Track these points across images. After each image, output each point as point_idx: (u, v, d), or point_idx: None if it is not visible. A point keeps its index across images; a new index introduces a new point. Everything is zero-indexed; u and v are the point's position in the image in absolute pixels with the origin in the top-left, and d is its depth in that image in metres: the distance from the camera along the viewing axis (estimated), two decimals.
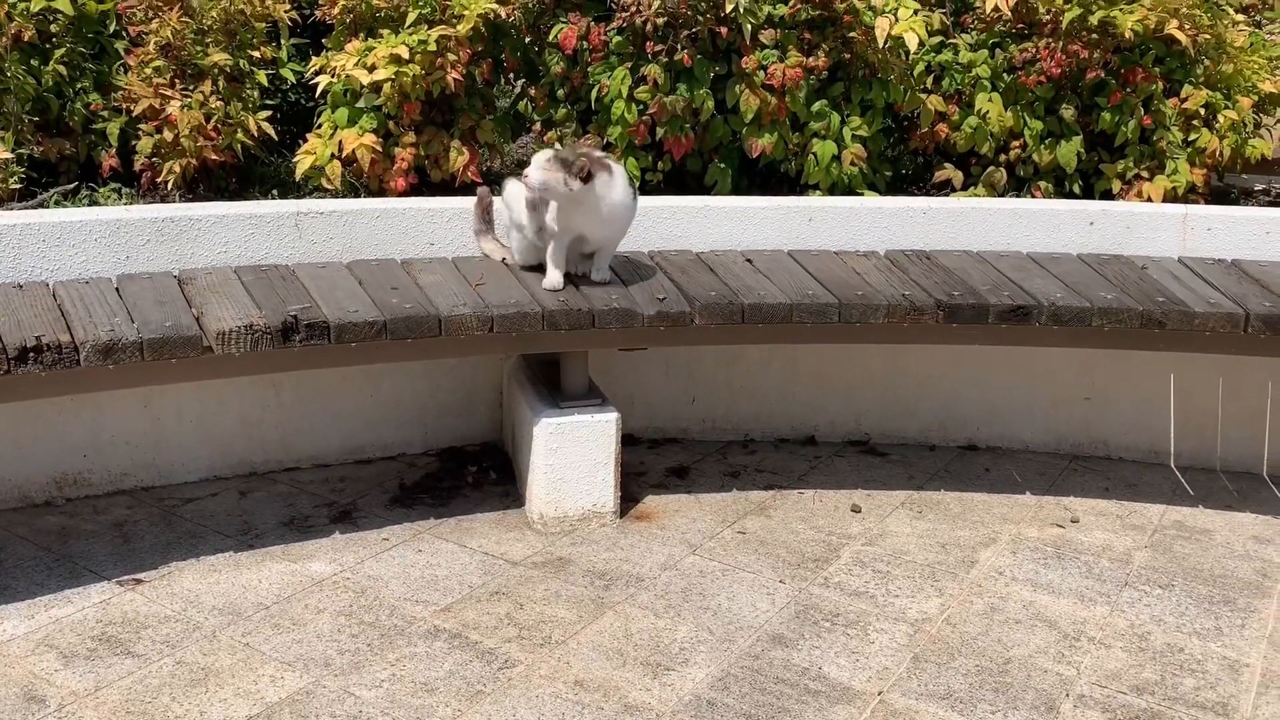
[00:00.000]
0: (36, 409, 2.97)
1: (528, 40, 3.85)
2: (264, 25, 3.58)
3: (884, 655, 2.57)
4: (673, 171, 3.82)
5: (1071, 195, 3.95)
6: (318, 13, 3.62)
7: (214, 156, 3.41)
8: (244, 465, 3.28)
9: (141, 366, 2.54)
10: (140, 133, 3.38)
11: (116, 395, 3.02)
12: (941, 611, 2.77)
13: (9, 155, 3.26)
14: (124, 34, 3.61)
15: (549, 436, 3.04)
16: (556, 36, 3.66)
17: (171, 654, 2.44)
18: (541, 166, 2.88)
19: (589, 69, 3.68)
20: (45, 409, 2.99)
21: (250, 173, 3.72)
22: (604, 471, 3.09)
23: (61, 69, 3.44)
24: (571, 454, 3.06)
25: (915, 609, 2.77)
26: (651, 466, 3.50)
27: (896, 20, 3.64)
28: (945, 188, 4.02)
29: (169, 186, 3.39)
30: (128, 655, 2.43)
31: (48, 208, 3.21)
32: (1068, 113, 3.90)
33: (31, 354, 2.42)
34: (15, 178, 3.26)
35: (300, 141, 3.79)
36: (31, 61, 3.42)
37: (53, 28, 3.47)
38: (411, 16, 3.42)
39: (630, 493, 3.25)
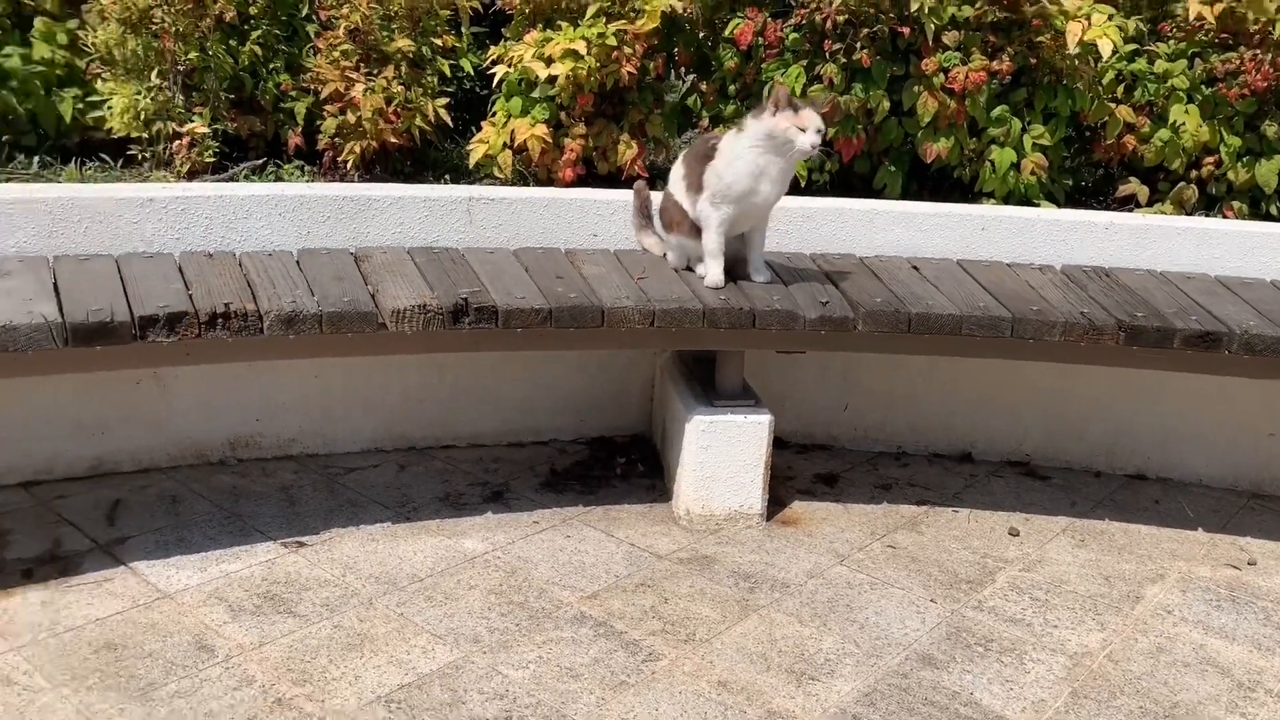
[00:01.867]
0: (217, 373, 3.12)
1: (701, 35, 3.83)
2: (447, 13, 3.67)
3: (1040, 686, 2.47)
4: (838, 173, 3.75)
5: (1268, 217, 3.70)
6: (500, 1, 3.69)
7: (393, 140, 3.51)
8: (404, 440, 3.38)
9: (319, 339, 2.64)
10: (325, 113, 3.51)
11: (290, 364, 3.15)
12: (1103, 646, 2.64)
13: (206, 130, 3.44)
14: (315, 18, 3.76)
15: (701, 434, 3.03)
16: (732, 32, 3.64)
17: (330, 617, 2.53)
18: (820, 122, 2.80)
19: (763, 65, 3.64)
20: (224, 373, 3.13)
21: (425, 157, 3.82)
22: (753, 473, 3.06)
23: (257, 49, 3.60)
24: (722, 453, 3.04)
25: (1075, 641, 2.65)
26: (800, 471, 3.44)
27: (1090, 25, 3.48)
28: (1128, 203, 3.82)
29: (349, 166, 3.51)
30: (290, 615, 2.53)
31: (237, 181, 3.37)
32: (1270, 129, 3.65)
33: (220, 319, 2.55)
34: (210, 152, 3.43)
35: (473, 129, 3.87)
36: (230, 42, 3.60)
37: (251, 10, 3.64)
38: (592, 9, 3.45)
39: (777, 496, 3.21)
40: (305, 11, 3.79)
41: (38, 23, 3.55)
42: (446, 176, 3.71)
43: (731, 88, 3.75)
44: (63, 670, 2.28)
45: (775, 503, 3.17)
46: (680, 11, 3.61)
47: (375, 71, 3.54)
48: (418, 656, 2.41)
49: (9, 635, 2.37)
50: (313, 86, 3.55)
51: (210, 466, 3.17)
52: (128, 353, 2.47)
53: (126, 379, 3.02)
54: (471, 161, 3.60)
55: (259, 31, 3.63)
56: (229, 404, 3.18)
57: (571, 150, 3.54)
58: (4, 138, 3.45)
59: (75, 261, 2.77)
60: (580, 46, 3.39)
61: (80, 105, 3.51)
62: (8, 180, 3.18)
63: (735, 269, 3.06)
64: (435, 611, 2.58)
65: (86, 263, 2.77)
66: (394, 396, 3.35)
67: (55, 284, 2.61)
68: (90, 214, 2.88)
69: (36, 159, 3.37)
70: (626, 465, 3.39)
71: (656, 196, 3.20)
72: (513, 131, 3.53)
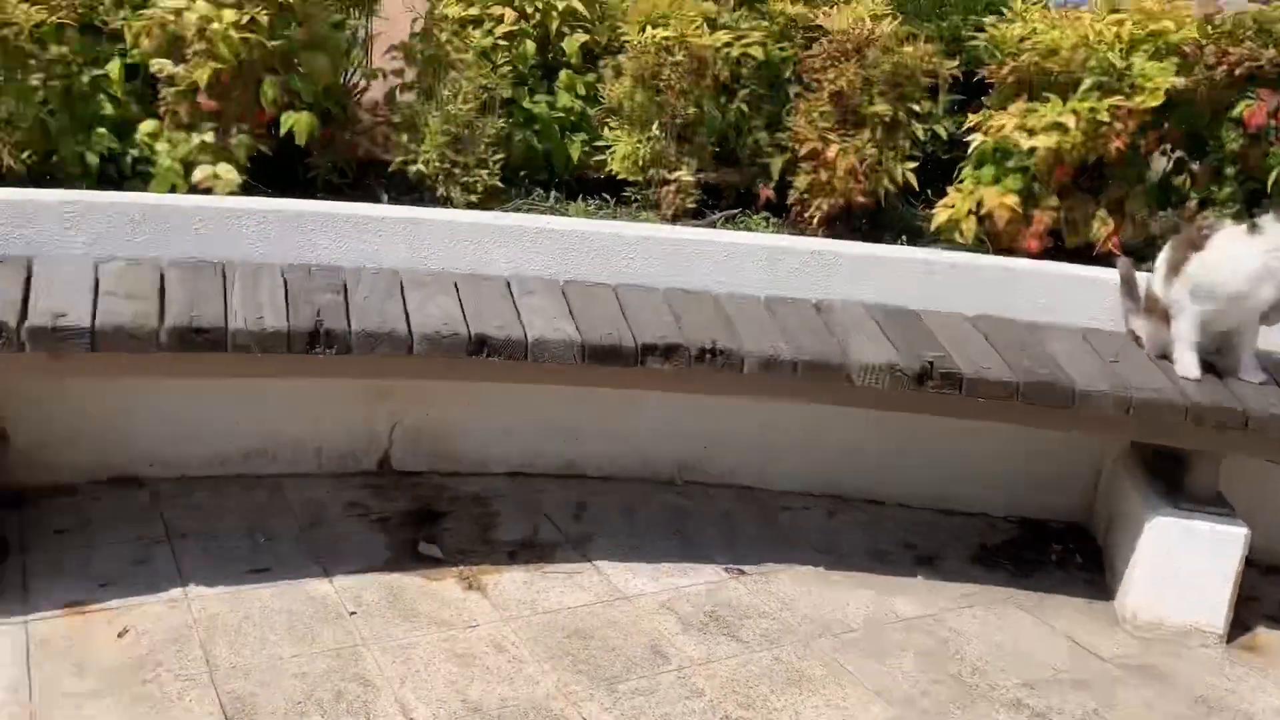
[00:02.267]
0: (675, 399, 3.34)
1: (1196, 113, 3.61)
2: (928, 80, 3.74)
3: None
4: None
5: None
6: (984, 71, 3.71)
7: (859, 199, 3.63)
8: (833, 488, 3.46)
9: (790, 383, 2.78)
10: (799, 170, 3.70)
11: (739, 399, 3.33)
12: None
13: (691, 179, 3.75)
14: (795, 80, 3.98)
15: (1162, 537, 2.84)
16: (1240, 113, 3.40)
17: (769, 649, 2.65)
18: None
19: (1270, 149, 3.37)
20: (682, 400, 3.36)
21: (882, 216, 3.91)
22: (1220, 588, 2.82)
23: (743, 107, 3.88)
24: (1184, 561, 2.83)
25: None
26: (1266, 595, 3.11)
27: None
28: None
29: (814, 221, 3.68)
30: (732, 638, 2.68)
31: (715, 228, 3.64)
32: None
33: (708, 355, 2.77)
34: (692, 198, 3.74)
35: (927, 191, 3.91)
36: (720, 99, 3.90)
37: (743, 71, 3.92)
38: (1087, 83, 3.37)
39: (1239, 618, 2.92)
40: (787, 74, 4.02)
41: (562, 74, 4.06)
42: (903, 237, 3.77)
43: (1229, 170, 3.50)
44: (542, 646, 2.57)
45: (1237, 625, 2.89)
46: (1181, 88, 3.42)
47: (851, 133, 3.68)
48: (854, 706, 2.46)
49: (500, 606, 2.71)
50: (793, 144, 3.76)
51: (659, 484, 3.43)
52: (626, 374, 2.76)
53: (603, 393, 3.34)
54: (933, 224, 3.64)
55: (746, 90, 3.91)
56: (683, 429, 3.43)
57: (1040, 221, 3.48)
58: (522, 173, 3.97)
59: (582, 287, 3.12)
60: (1069, 120, 3.33)
61: (586, 149, 3.96)
62: (529, 210, 3.66)
63: (1217, 364, 2.86)
64: (869, 666, 2.62)
65: (590, 289, 3.12)
66: (829, 445, 3.44)
67: (569, 306, 2.96)
68: (595, 246, 3.23)
69: (551, 194, 3.84)
70: (1063, 553, 3.25)
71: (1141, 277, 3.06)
72: (981, 199, 3.53)
